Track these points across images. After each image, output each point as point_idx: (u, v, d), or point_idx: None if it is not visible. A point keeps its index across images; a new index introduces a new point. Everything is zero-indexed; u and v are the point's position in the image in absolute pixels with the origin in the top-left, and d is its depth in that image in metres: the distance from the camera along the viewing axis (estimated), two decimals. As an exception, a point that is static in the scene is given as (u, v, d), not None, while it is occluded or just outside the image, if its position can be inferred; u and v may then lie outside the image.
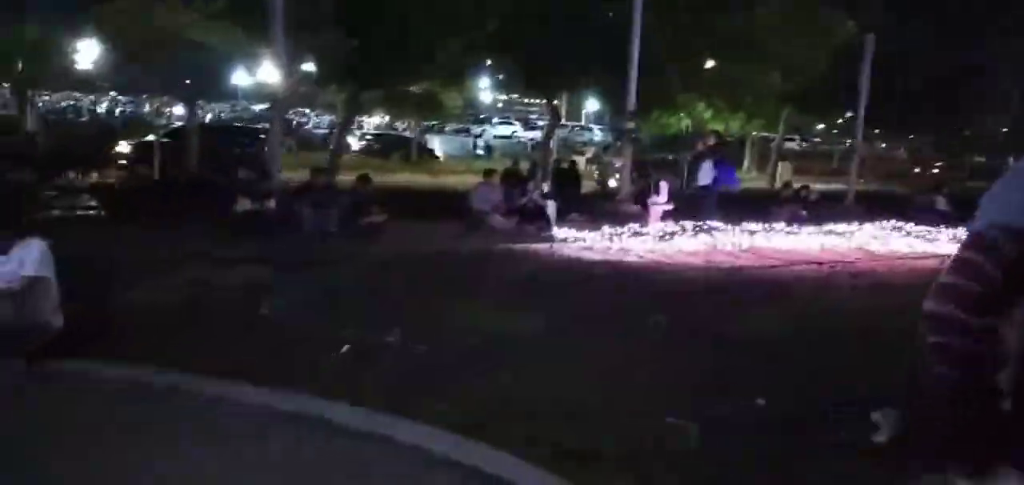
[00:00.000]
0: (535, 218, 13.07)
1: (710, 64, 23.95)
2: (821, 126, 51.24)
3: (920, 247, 12.32)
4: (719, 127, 26.93)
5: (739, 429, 4.24)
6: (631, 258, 9.85)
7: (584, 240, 11.06)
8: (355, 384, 4.65)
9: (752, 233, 12.33)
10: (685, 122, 26.21)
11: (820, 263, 10.17)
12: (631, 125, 17.98)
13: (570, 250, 10.28)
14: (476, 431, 4.00)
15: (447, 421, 4.10)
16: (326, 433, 4.00)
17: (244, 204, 11.13)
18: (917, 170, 36.80)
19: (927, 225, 16.06)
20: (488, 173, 14.42)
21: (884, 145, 51.36)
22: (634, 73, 17.39)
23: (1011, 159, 27.66)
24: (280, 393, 4.48)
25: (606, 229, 11.61)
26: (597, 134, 45.67)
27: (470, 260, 9.08)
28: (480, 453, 3.80)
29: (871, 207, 19.51)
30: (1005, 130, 30.48)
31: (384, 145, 34.89)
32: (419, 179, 21.35)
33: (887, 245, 12.66)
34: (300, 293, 6.82)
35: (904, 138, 47.84)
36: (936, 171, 38.50)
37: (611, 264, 9.28)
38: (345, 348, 5.38)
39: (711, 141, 16.14)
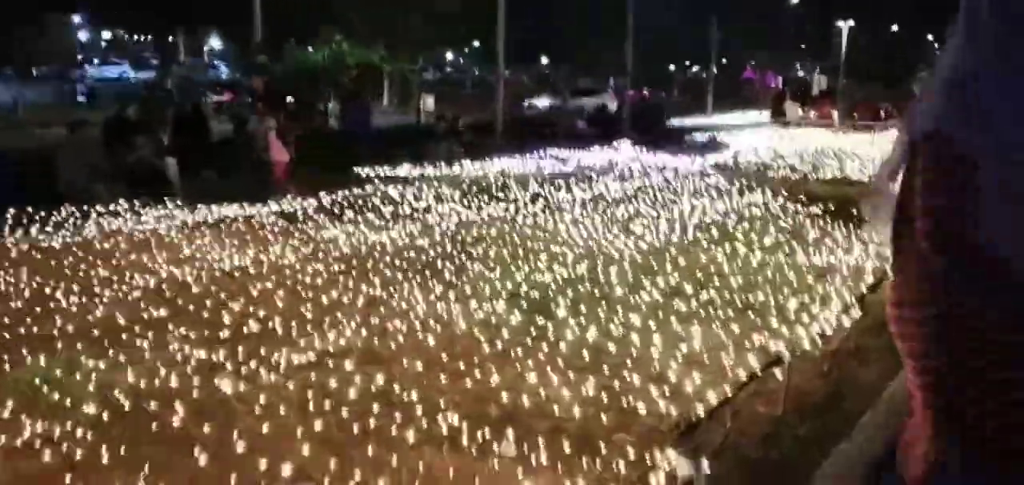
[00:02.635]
0: (150, 182, 10.11)
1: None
2: (450, 56, 52.28)
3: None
4: (360, 61, 25.24)
5: None
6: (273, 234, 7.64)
7: (218, 208, 8.52)
8: None
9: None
10: (321, 55, 23.97)
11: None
12: (262, 59, 15.39)
13: (203, 227, 7.72)
14: None
15: None
16: None
17: None
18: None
19: (576, 149, 16.30)
20: (76, 126, 10.92)
21: (508, 72, 54.29)
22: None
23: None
24: None
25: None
26: (224, 72, 40.98)
27: (44, 260, 6.14)
28: None
29: (521, 136, 19.48)
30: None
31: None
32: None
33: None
34: None
35: (530, 65, 50.67)
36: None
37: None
38: None
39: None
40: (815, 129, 23.70)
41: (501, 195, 9.85)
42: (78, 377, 3.86)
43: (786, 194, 9.64)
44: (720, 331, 4.73)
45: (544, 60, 51.42)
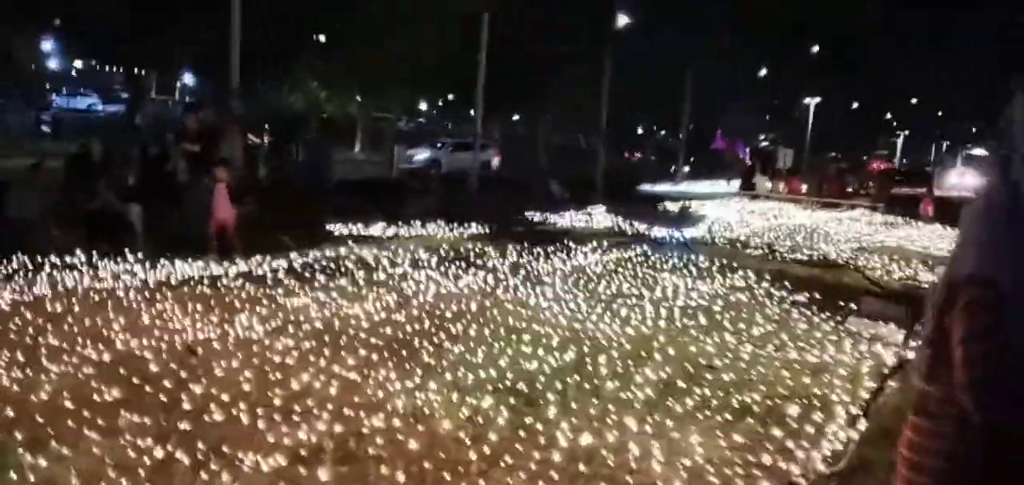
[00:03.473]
0: (112, 229, 9.61)
1: (322, 37, 21.61)
2: (424, 106, 52.05)
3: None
4: (333, 108, 24.98)
5: None
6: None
7: (186, 263, 8.09)
8: None
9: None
10: (297, 101, 23.62)
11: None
12: (237, 105, 14.99)
13: (165, 288, 7.27)
14: None
15: None
16: None
17: None
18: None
19: (547, 211, 16.11)
20: (36, 167, 10.38)
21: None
22: (236, 44, 14.48)
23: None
24: None
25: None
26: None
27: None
28: None
29: (496, 192, 19.32)
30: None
31: None
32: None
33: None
34: None
35: (505, 119, 50.68)
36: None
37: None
38: None
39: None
40: (785, 203, 23.89)
41: (479, 262, 9.53)
42: (12, 476, 3.41)
43: (769, 277, 9.45)
44: (722, 440, 4.43)
45: (516, 116, 51.61)
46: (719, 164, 43.18)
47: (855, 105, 61.89)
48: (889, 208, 22.12)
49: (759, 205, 22.96)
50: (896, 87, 46.11)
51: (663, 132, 65.00)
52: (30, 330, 5.52)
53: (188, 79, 45.89)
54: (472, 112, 20.86)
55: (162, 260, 8.04)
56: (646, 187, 27.22)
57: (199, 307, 6.46)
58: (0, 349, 5.03)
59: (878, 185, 25.86)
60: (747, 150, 42.53)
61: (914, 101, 57.64)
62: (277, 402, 4.53)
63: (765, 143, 55.36)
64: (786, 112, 61.34)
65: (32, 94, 40.05)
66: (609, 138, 26.50)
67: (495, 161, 32.25)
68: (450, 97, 41.41)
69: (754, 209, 21.30)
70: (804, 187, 26.82)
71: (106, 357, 5.04)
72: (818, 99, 44.55)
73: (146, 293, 6.84)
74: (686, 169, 38.82)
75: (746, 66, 46.70)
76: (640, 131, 58.56)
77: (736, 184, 30.70)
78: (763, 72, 49.74)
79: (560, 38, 25.13)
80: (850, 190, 26.65)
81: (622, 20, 28.13)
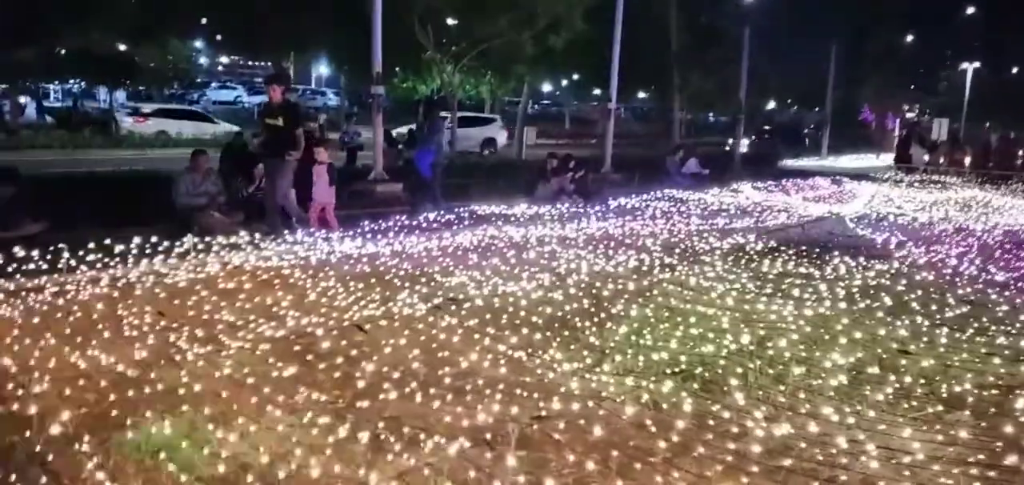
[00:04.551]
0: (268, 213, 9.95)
1: (453, 21, 21.69)
2: (548, 88, 51.84)
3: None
4: (468, 91, 25.13)
5: None
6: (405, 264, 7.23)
7: (341, 239, 8.26)
8: None
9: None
10: (433, 86, 23.89)
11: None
12: (379, 90, 15.22)
13: (326, 266, 7.38)
14: None
15: None
16: None
17: None
18: None
19: (688, 189, 15.48)
20: (197, 154, 10.82)
21: (596, 104, 53.64)
22: (378, 31, 14.64)
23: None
24: None
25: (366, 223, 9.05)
26: (332, 98, 41.78)
27: (161, 291, 5.89)
28: None
29: (632, 174, 18.85)
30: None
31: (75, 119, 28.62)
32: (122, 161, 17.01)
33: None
34: None
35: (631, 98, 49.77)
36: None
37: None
38: None
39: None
40: (948, 177, 21.98)
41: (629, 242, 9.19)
42: (204, 452, 3.40)
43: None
44: (937, 434, 3.92)
45: (641, 94, 50.22)
46: (865, 138, 40.66)
47: (1014, 70, 56.59)
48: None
49: (920, 180, 21.19)
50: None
51: (795, 108, 61.74)
52: (206, 306, 5.67)
53: (323, 69, 47.83)
54: (614, 94, 20.20)
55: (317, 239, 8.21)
56: (788, 163, 25.89)
57: (360, 284, 6.48)
58: (181, 323, 5.18)
59: (1057, 157, 23.31)
60: (897, 122, 39.81)
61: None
62: (448, 380, 4.39)
63: (913, 115, 51.64)
64: (933, 81, 56.97)
65: (184, 89, 42.94)
66: (743, 114, 25.35)
67: (502, 138, 30.77)
68: (575, 77, 41.01)
69: (915, 184, 19.72)
70: (967, 160, 24.63)
71: (279, 333, 5.08)
72: (977, 65, 40.96)
73: (308, 271, 6.93)
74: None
75: (889, 32, 43.54)
76: (772, 105, 55.92)
77: (885, 158, 28.66)
78: (908, 38, 46.21)
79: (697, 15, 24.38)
80: (1020, 163, 24.17)
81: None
